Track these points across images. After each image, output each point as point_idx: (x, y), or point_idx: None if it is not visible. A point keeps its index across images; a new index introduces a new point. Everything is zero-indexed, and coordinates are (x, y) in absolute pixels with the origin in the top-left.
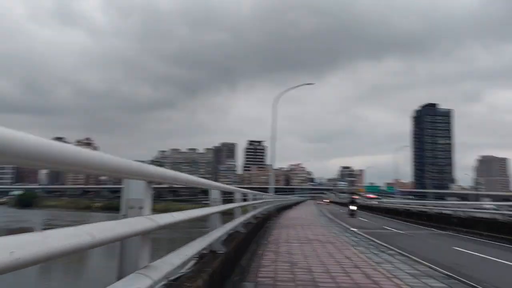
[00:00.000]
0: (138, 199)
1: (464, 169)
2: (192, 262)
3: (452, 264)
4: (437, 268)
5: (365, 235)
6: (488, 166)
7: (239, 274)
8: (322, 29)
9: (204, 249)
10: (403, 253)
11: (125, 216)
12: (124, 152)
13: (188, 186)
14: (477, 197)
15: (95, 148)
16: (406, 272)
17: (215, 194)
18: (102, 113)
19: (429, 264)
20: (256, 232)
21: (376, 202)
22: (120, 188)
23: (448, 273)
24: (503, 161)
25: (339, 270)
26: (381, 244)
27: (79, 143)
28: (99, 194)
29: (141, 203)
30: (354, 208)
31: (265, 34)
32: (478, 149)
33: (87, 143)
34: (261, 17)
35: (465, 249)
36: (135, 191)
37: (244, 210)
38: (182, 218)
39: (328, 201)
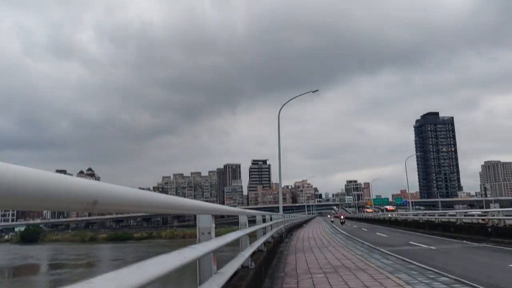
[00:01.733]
0: None
1: (470, 176)
2: None
3: None
4: None
5: (396, 255)
6: (494, 171)
7: None
8: (316, 46)
9: None
10: (461, 279)
11: None
12: (127, 180)
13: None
14: (486, 203)
15: (97, 178)
16: None
17: (204, 222)
18: (103, 143)
19: None
20: (268, 262)
21: (395, 215)
22: (124, 218)
23: None
24: (508, 165)
25: None
26: (423, 268)
27: (82, 174)
28: (104, 225)
29: None
30: None
31: (260, 54)
32: (482, 155)
33: (90, 174)
34: (255, 38)
35: None
36: None
37: (253, 235)
38: None
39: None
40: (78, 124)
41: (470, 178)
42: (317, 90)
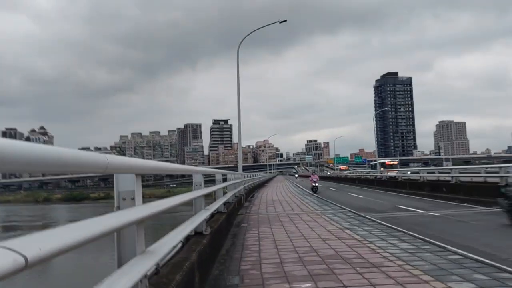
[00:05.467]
0: None
1: (424, 136)
2: None
3: None
4: None
5: (402, 230)
6: (447, 130)
7: None
8: (276, 3)
9: None
10: None
11: None
12: (83, 139)
13: None
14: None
15: (50, 137)
16: None
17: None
18: (57, 101)
19: None
20: (217, 248)
21: (408, 173)
22: (80, 178)
23: None
24: (460, 125)
25: None
26: (479, 261)
27: (34, 133)
28: (59, 185)
29: None
30: None
31: (219, 10)
32: (435, 115)
33: (42, 133)
34: None
35: None
36: None
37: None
38: None
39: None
40: (30, 81)
41: (424, 138)
42: (285, 21)
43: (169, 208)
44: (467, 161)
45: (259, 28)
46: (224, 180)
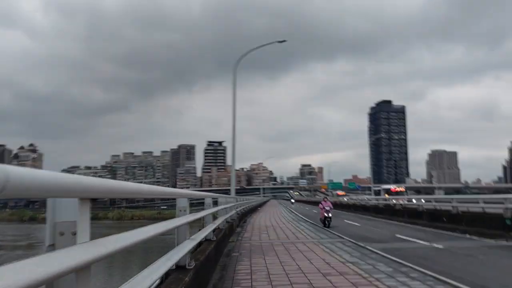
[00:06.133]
0: None
1: (417, 164)
2: None
3: None
4: None
5: (409, 265)
6: (439, 159)
7: None
8: (273, 29)
9: None
10: None
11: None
12: (74, 157)
13: None
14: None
15: (39, 155)
16: None
17: None
18: (49, 118)
19: None
20: (202, 284)
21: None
22: None
23: None
24: (452, 154)
25: None
26: None
27: (22, 150)
28: (46, 205)
29: None
30: None
31: (217, 34)
32: (427, 144)
33: (31, 150)
34: (211, 16)
35: None
36: None
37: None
38: None
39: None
40: (22, 97)
41: (417, 166)
42: (284, 41)
43: (134, 244)
44: (457, 191)
45: (258, 47)
46: (215, 204)
